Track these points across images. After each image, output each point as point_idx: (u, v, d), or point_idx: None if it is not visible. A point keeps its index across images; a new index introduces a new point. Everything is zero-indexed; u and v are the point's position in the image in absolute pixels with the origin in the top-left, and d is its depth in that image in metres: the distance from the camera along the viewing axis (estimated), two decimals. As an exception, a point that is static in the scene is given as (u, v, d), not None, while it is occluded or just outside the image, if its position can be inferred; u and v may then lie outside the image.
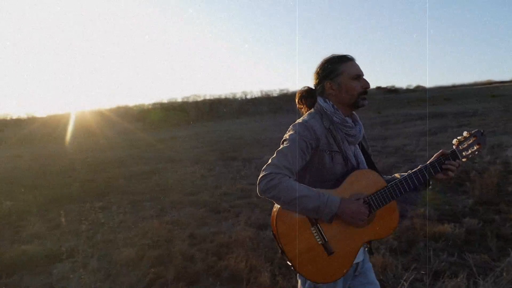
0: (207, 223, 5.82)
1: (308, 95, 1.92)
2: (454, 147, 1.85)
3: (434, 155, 1.86)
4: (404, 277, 3.24)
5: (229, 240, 4.72)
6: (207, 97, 47.53)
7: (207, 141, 20.39)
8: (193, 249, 4.59)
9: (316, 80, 1.88)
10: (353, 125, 1.83)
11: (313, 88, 1.91)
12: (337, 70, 1.81)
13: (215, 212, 6.39)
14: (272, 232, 1.74)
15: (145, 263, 4.31)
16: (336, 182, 1.76)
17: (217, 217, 6.08)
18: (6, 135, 34.76)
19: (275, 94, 49.60)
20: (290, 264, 1.71)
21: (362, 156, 1.90)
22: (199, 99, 47.17)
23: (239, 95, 48.40)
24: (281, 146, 1.75)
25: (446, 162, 1.81)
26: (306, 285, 1.81)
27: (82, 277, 4.02)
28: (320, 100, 1.84)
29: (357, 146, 1.90)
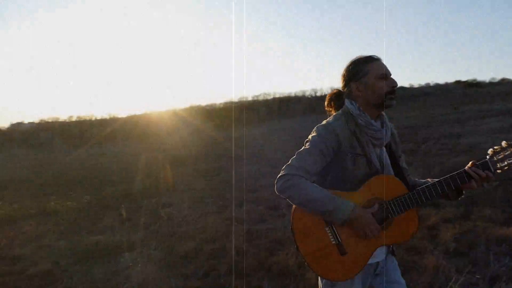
0: (264, 219, 5.98)
1: (336, 98, 1.94)
2: (487, 157, 1.76)
3: (467, 166, 1.78)
4: (453, 279, 3.14)
5: (283, 237, 4.84)
6: (277, 95, 47.65)
7: (276, 140, 20.61)
8: (248, 244, 4.77)
9: (343, 82, 1.88)
10: (379, 127, 1.80)
11: (342, 90, 1.91)
12: (363, 71, 1.80)
13: (274, 209, 6.53)
14: (291, 228, 1.82)
15: (201, 256, 4.56)
16: (356, 185, 1.78)
17: (275, 214, 6.21)
18: (91, 135, 37.62)
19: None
20: (304, 260, 1.79)
21: (388, 160, 1.88)
22: (269, 98, 47.47)
23: (308, 92, 48.03)
24: (302, 148, 1.79)
25: (475, 171, 1.73)
26: (323, 282, 1.87)
27: (145, 266, 4.36)
28: (347, 102, 1.85)
29: (383, 149, 1.88)
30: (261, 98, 47.59)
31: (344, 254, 1.74)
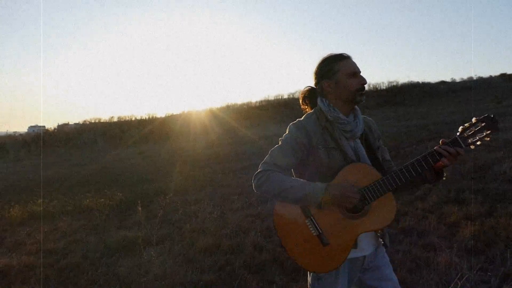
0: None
1: (310, 95, 2.02)
2: (457, 134, 1.80)
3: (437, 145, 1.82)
4: (458, 276, 3.11)
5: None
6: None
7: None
8: (265, 240, 4.86)
9: (315, 80, 1.96)
10: (348, 120, 1.87)
11: (314, 87, 1.99)
12: (333, 69, 1.88)
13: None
14: (273, 225, 1.90)
15: (220, 251, 4.70)
16: (328, 176, 1.84)
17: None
18: (131, 134, 38.79)
19: (383, 87, 47.38)
20: (288, 255, 1.86)
21: (364, 151, 1.93)
22: (304, 95, 47.07)
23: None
24: (275, 146, 1.90)
25: (445, 148, 1.76)
26: (311, 275, 1.93)
27: (165, 260, 4.54)
28: (318, 100, 1.94)
29: (358, 141, 1.94)
30: (297, 95, 47.23)
31: (326, 245, 1.80)
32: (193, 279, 3.93)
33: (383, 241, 1.94)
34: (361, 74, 1.90)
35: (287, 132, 1.90)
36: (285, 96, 47.68)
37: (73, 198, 9.06)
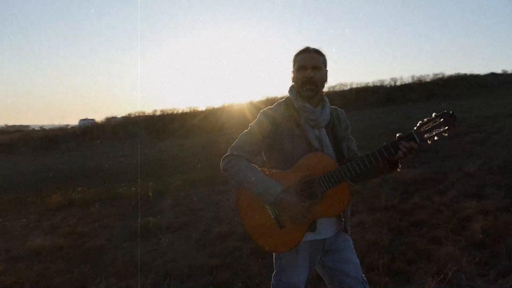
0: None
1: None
2: (414, 128, 1.85)
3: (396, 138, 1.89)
4: (448, 267, 3.13)
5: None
6: (354, 86, 46.30)
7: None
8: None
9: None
10: (313, 109, 1.97)
11: None
12: (294, 62, 2.02)
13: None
14: (236, 205, 2.05)
15: (233, 238, 4.89)
16: (291, 163, 1.95)
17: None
18: (174, 127, 39.86)
19: (428, 79, 45.67)
20: (248, 234, 2.01)
21: (328, 140, 2.01)
22: (345, 88, 46.29)
23: (387, 82, 46.04)
24: (244, 131, 2.03)
25: (400, 143, 1.83)
26: (274, 255, 2.08)
27: (181, 245, 4.80)
28: (288, 88, 2.08)
29: (322, 130, 2.02)
30: (337, 88, 46.54)
31: (282, 227, 1.93)
32: (202, 262, 4.14)
33: (344, 226, 2.04)
34: (317, 70, 1.96)
35: (256, 119, 2.03)
36: (325, 90, 46.95)
37: (107, 187, 9.59)
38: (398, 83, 45.83)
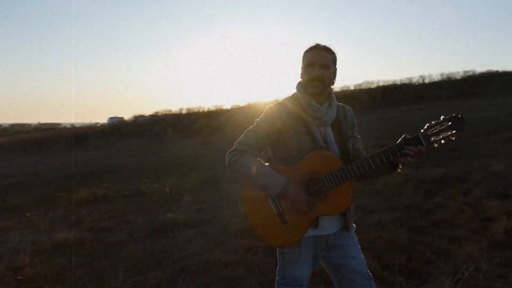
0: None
1: None
2: (421, 131, 1.82)
3: (399, 139, 1.85)
4: (464, 267, 3.05)
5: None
6: (381, 84, 45.46)
7: (371, 130, 20.03)
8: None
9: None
10: (319, 107, 1.95)
11: None
12: (303, 58, 2.00)
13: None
14: (240, 198, 2.07)
15: (251, 235, 4.90)
16: (296, 160, 1.95)
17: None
18: (200, 126, 40.22)
19: (458, 77, 44.35)
20: (251, 228, 2.02)
21: (333, 138, 1.99)
22: (372, 86, 45.54)
23: (415, 79, 45.01)
24: (250, 126, 2.03)
25: (405, 147, 1.80)
26: (277, 250, 2.08)
27: (199, 241, 4.85)
28: (296, 85, 2.05)
29: (328, 128, 2.00)
30: (363, 86, 45.86)
31: (285, 223, 1.94)
32: (218, 258, 4.18)
33: (345, 223, 2.02)
34: (326, 68, 1.93)
35: (262, 114, 2.03)
36: (352, 88, 46.46)
37: (132, 183, 9.78)
38: (426, 81, 44.78)
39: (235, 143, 2.03)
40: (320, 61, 1.93)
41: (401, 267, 3.45)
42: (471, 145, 9.97)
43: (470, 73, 43.90)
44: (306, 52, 1.99)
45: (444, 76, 44.77)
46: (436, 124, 1.80)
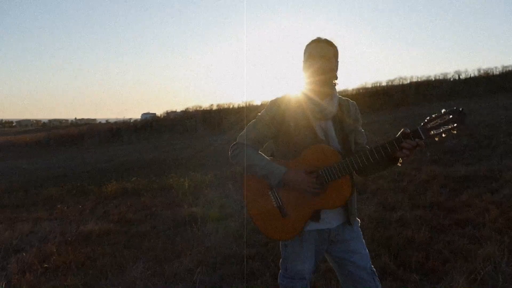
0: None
1: None
2: (421, 124, 1.79)
3: (399, 133, 1.83)
4: (482, 267, 2.97)
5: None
6: (414, 79, 44.28)
7: (398, 127, 19.60)
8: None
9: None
10: (319, 101, 1.95)
11: None
12: (304, 52, 2.01)
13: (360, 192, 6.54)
14: (242, 191, 2.11)
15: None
16: (296, 153, 1.96)
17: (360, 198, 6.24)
18: (230, 121, 40.55)
19: (496, 72, 42.64)
20: (252, 221, 2.06)
21: (333, 132, 2.00)
22: (405, 82, 44.43)
23: (451, 75, 43.60)
24: (252, 120, 2.07)
25: (404, 140, 1.78)
26: (280, 243, 2.11)
27: (219, 235, 4.93)
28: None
29: (329, 122, 2.00)
30: (396, 82, 44.80)
31: (285, 216, 1.96)
32: (236, 251, 4.24)
33: (348, 218, 2.02)
34: (326, 59, 1.93)
35: (264, 108, 2.06)
36: (384, 83, 45.53)
37: (160, 177, 9.99)
38: (462, 77, 43.32)
39: (237, 137, 2.07)
40: (320, 53, 1.94)
41: (418, 265, 3.41)
42: (505, 144, 9.63)
43: (509, 68, 42.09)
44: (307, 46, 2.00)
45: (481, 71, 43.15)
46: (436, 118, 1.77)
